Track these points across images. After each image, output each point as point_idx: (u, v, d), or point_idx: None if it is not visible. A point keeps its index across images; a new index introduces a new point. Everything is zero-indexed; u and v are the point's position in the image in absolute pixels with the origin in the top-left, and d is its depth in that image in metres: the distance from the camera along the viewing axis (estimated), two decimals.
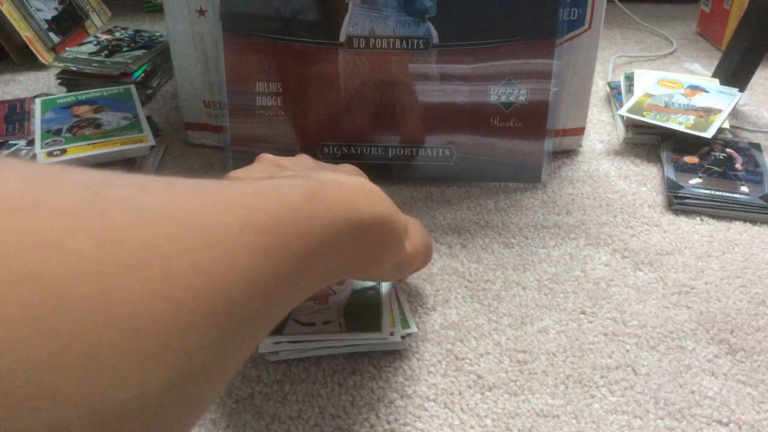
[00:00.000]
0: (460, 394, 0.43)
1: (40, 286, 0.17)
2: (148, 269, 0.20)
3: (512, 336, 0.48)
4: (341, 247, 0.32)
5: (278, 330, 0.45)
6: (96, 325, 0.18)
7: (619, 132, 0.77)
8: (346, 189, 0.33)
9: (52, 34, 0.95)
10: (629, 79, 0.84)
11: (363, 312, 0.47)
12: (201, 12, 0.65)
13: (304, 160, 0.45)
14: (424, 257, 0.44)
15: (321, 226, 0.30)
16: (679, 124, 0.71)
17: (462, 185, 0.66)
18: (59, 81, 0.84)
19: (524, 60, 0.61)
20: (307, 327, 0.46)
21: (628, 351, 0.47)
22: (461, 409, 0.42)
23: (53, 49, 0.94)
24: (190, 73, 0.69)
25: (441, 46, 0.61)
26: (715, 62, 0.86)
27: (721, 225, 0.61)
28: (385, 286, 0.49)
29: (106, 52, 0.87)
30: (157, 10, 1.16)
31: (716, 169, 0.67)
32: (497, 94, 0.62)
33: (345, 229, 0.32)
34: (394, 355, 0.46)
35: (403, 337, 0.46)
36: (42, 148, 0.63)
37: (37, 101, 0.72)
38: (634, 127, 0.75)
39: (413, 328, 0.47)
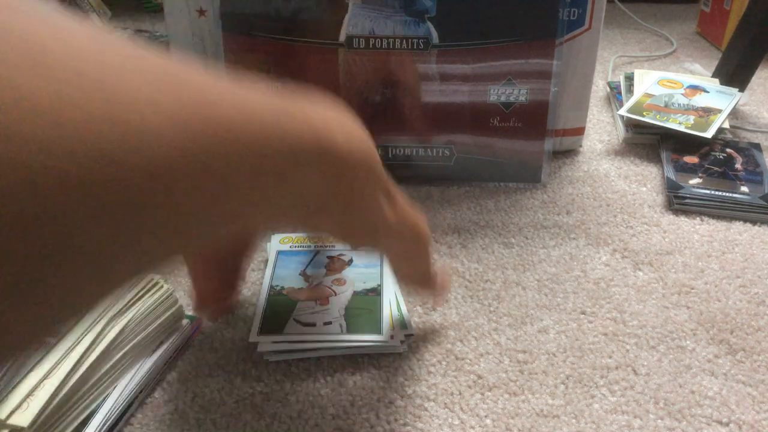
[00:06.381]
0: (460, 394, 0.43)
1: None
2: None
3: (512, 336, 0.48)
4: (303, 172, 0.28)
5: (278, 329, 0.45)
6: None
7: (619, 132, 0.77)
8: (326, 116, 0.30)
9: None
10: (629, 79, 0.84)
11: (364, 314, 0.47)
12: (201, 12, 0.65)
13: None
14: (412, 239, 0.39)
15: (280, 137, 0.26)
16: (679, 124, 0.71)
17: (462, 185, 0.66)
18: None
19: (524, 60, 0.61)
20: (307, 327, 0.46)
21: (628, 351, 0.47)
22: (461, 409, 0.42)
23: None
24: None
25: (441, 46, 0.61)
26: (715, 62, 0.86)
27: (721, 225, 0.61)
28: (386, 289, 0.49)
29: None
30: (157, 10, 1.16)
31: (716, 169, 0.67)
32: (497, 94, 0.62)
33: (312, 151, 0.28)
34: (394, 356, 0.46)
35: (402, 341, 0.46)
36: None
37: None
38: (634, 127, 0.75)
39: (411, 330, 0.47)
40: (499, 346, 0.47)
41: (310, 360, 0.45)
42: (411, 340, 0.47)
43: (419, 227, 0.39)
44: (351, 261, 0.52)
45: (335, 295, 0.49)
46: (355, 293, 0.49)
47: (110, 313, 0.40)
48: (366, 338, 0.45)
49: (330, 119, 0.30)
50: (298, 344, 0.45)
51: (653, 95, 0.77)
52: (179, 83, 0.22)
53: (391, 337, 0.45)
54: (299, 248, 0.54)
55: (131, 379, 0.41)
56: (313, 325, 0.46)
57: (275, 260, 0.52)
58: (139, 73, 0.21)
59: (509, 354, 0.46)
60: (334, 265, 0.52)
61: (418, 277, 0.43)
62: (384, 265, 0.52)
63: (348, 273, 0.51)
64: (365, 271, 0.51)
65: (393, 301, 0.48)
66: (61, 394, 0.36)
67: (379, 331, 0.45)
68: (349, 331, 0.45)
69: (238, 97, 0.26)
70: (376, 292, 0.49)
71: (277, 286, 0.50)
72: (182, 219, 0.22)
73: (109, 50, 0.20)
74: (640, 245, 0.58)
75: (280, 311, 0.47)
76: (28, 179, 0.16)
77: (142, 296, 0.43)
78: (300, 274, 0.51)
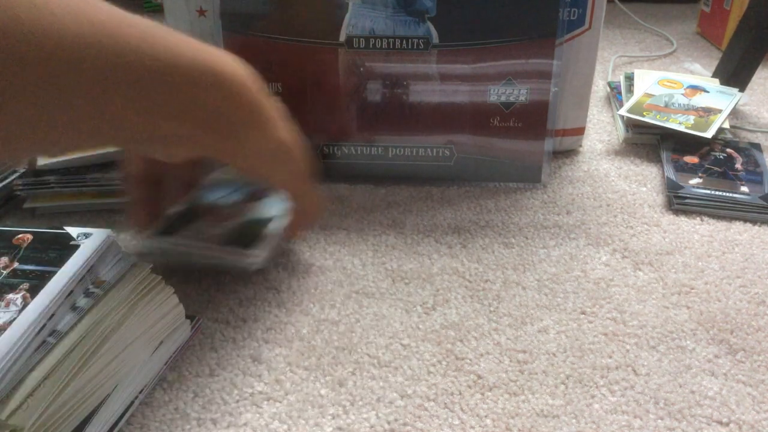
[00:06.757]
0: (460, 394, 0.43)
1: None
2: None
3: (512, 336, 0.48)
4: (195, 88, 0.37)
5: (172, 231, 0.50)
6: None
7: (619, 132, 0.77)
8: (210, 49, 0.38)
9: None
10: (629, 79, 0.84)
11: (244, 233, 0.51)
12: (201, 12, 0.65)
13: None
14: (297, 165, 0.45)
15: (164, 57, 0.34)
16: (679, 124, 0.71)
17: (462, 185, 0.66)
18: None
19: (524, 60, 0.61)
20: (194, 236, 0.50)
21: (628, 351, 0.47)
22: (461, 409, 0.42)
23: None
24: None
25: (441, 46, 0.61)
26: (715, 62, 0.87)
27: (721, 225, 0.61)
28: (276, 217, 0.52)
29: None
30: (157, 10, 1.16)
31: (716, 169, 0.67)
32: (497, 94, 0.62)
33: (205, 72, 0.37)
34: (394, 354, 0.46)
35: (255, 262, 0.49)
36: None
37: None
38: (634, 127, 0.75)
39: (265, 251, 0.50)
40: (499, 346, 0.47)
41: (310, 359, 0.45)
42: (267, 262, 0.51)
43: (302, 160, 0.46)
44: (271, 197, 0.55)
45: (234, 218, 0.52)
46: (252, 218, 0.52)
47: (110, 314, 0.40)
48: (229, 251, 0.49)
49: (220, 53, 0.39)
50: (168, 237, 0.50)
51: (653, 95, 0.77)
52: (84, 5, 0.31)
53: (251, 255, 0.49)
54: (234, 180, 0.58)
55: (131, 379, 0.41)
56: (200, 238, 0.50)
57: (210, 182, 0.57)
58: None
59: (509, 354, 0.46)
60: (253, 197, 0.56)
61: (295, 181, 0.47)
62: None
63: (260, 203, 0.55)
64: (277, 205, 0.54)
65: (274, 226, 0.52)
66: (61, 394, 0.36)
67: (244, 247, 0.49)
68: (223, 244, 0.50)
69: (136, 22, 0.34)
70: (270, 220, 0.52)
71: (195, 201, 0.54)
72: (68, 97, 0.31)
73: None
74: (640, 245, 0.58)
75: (182, 219, 0.52)
76: None
77: (143, 296, 0.43)
78: (218, 197, 0.55)
